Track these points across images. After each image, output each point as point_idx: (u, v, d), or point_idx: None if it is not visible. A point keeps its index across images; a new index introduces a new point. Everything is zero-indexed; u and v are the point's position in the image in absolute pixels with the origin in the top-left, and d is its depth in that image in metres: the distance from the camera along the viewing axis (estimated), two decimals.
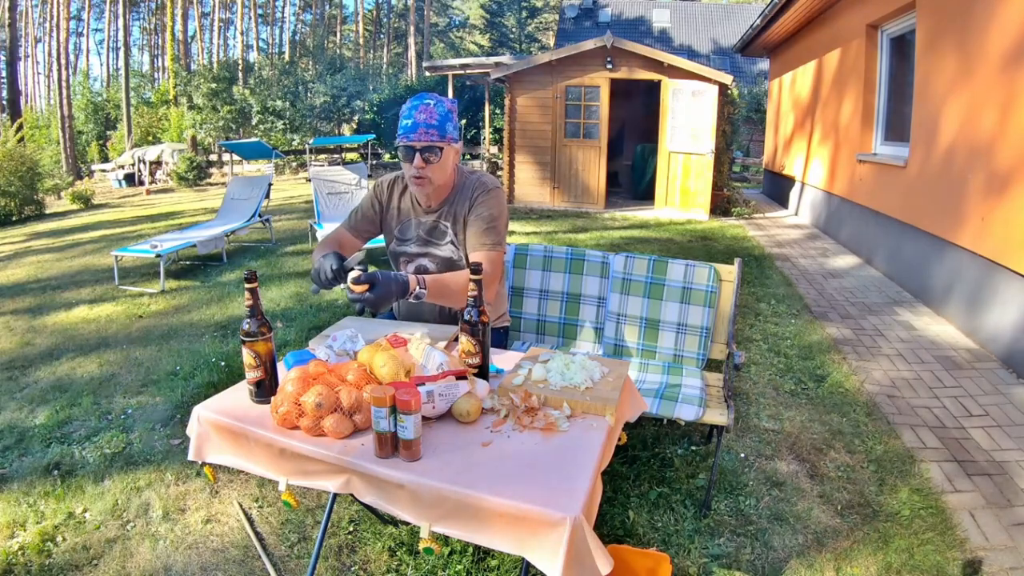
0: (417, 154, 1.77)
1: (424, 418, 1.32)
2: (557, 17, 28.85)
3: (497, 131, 15.51)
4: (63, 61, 24.28)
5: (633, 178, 10.65)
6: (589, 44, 8.73)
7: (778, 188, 10.07)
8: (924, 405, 2.99)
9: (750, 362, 3.50)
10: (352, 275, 1.51)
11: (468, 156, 15.28)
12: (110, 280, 5.71)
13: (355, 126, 19.63)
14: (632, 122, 11.64)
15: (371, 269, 1.57)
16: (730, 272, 2.35)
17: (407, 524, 2.05)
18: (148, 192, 15.51)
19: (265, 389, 1.43)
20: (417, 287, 1.64)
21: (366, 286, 1.51)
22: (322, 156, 17.37)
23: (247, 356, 1.41)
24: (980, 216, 3.78)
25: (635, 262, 2.47)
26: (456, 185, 1.95)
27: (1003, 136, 3.58)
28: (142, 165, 17.89)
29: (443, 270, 1.96)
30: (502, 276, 2.08)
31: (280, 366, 1.54)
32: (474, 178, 1.96)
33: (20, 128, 13.43)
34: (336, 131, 19.91)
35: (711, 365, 2.52)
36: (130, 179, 17.82)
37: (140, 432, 2.83)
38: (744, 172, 13.36)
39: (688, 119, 8.54)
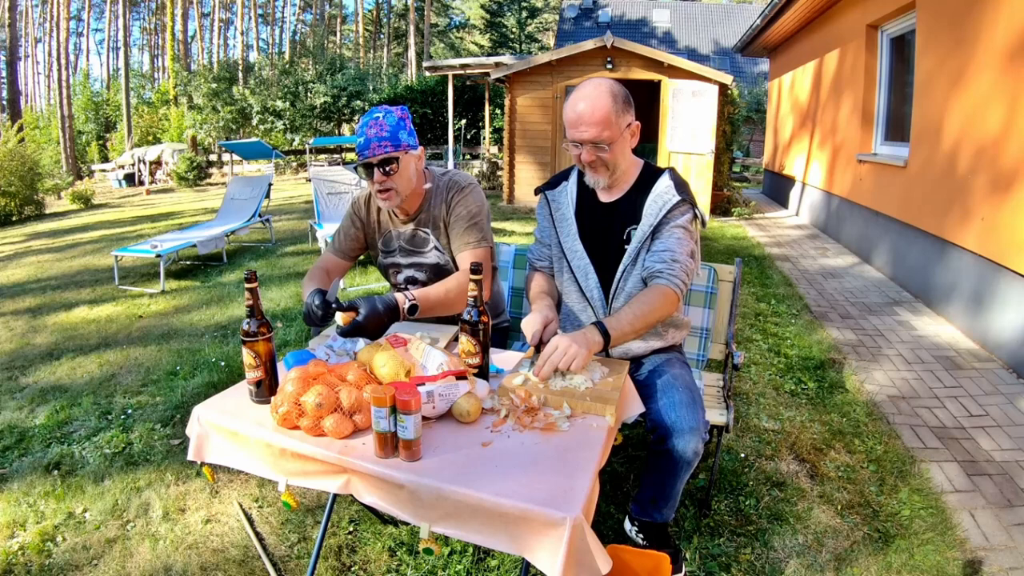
0: (376, 169, 1.76)
1: (424, 418, 1.32)
2: (557, 17, 28.86)
3: (497, 131, 15.52)
4: (63, 61, 24.29)
5: None
6: (589, 44, 8.73)
7: (778, 188, 10.07)
8: (924, 405, 2.99)
9: (750, 362, 3.50)
10: (339, 312, 1.52)
11: (468, 156, 15.29)
12: (110, 280, 5.71)
13: (355, 126, 19.62)
14: None
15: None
16: (729, 272, 2.35)
17: (407, 524, 2.04)
18: (148, 192, 15.53)
19: (265, 389, 1.43)
20: (407, 301, 1.63)
21: (352, 313, 1.51)
22: (322, 156, 17.38)
23: (247, 356, 1.41)
24: (980, 216, 3.78)
25: None
26: (429, 190, 1.92)
27: (1004, 136, 3.58)
28: (142, 165, 17.90)
29: (432, 277, 1.95)
30: (495, 273, 2.08)
31: (280, 366, 1.54)
32: (446, 179, 1.93)
33: (20, 128, 13.44)
34: (336, 131, 19.92)
35: (711, 365, 2.52)
36: (130, 179, 17.84)
37: (140, 432, 2.82)
38: (744, 172, 13.36)
39: (688, 119, 8.54)
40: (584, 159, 1.69)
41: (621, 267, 1.74)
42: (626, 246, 1.74)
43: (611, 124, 1.63)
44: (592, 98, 1.63)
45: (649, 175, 1.78)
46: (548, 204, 1.89)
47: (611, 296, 1.77)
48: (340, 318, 1.51)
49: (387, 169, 1.76)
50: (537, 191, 1.95)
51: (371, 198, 2.01)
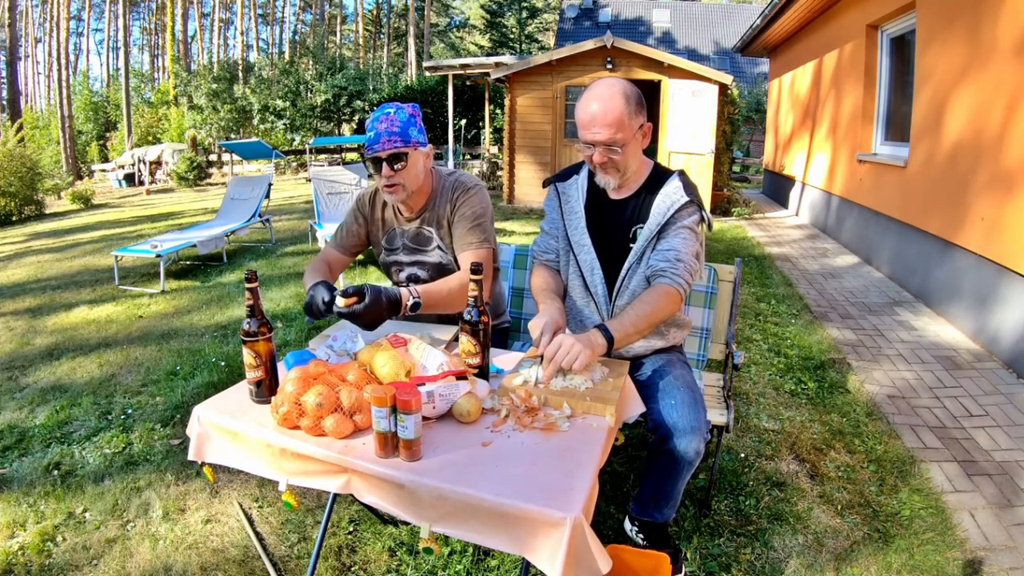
0: (384, 163, 1.78)
1: (424, 418, 1.32)
2: (557, 17, 28.85)
3: (497, 131, 15.51)
4: (63, 61, 24.31)
5: None
6: (589, 44, 8.73)
7: (778, 188, 10.07)
8: (924, 405, 2.99)
9: (750, 362, 3.50)
10: (340, 288, 1.52)
11: (468, 156, 15.28)
12: (110, 280, 5.71)
13: (355, 126, 19.64)
14: None
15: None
16: (729, 272, 2.35)
17: (407, 524, 2.05)
18: (148, 192, 15.52)
19: (265, 389, 1.43)
20: (411, 297, 1.63)
21: (355, 298, 1.50)
22: (322, 156, 17.37)
23: (247, 356, 1.41)
24: (980, 217, 3.78)
25: None
26: (434, 189, 1.93)
27: (1004, 137, 3.58)
28: (142, 165, 17.89)
29: (435, 276, 1.95)
30: (496, 274, 2.09)
31: (280, 366, 1.54)
32: (452, 179, 1.94)
33: (20, 128, 13.44)
34: (336, 131, 19.93)
35: (711, 365, 2.52)
36: (130, 179, 17.84)
37: (140, 432, 2.82)
38: (744, 172, 13.35)
39: (688, 119, 8.54)
40: (596, 160, 1.69)
41: (626, 265, 1.75)
42: (632, 244, 1.75)
43: (624, 126, 1.63)
44: (605, 99, 1.61)
45: (659, 176, 1.79)
46: (558, 196, 1.90)
47: (615, 293, 1.78)
48: (340, 301, 1.50)
49: (396, 165, 1.78)
50: (546, 183, 1.95)
51: (376, 194, 2.02)
